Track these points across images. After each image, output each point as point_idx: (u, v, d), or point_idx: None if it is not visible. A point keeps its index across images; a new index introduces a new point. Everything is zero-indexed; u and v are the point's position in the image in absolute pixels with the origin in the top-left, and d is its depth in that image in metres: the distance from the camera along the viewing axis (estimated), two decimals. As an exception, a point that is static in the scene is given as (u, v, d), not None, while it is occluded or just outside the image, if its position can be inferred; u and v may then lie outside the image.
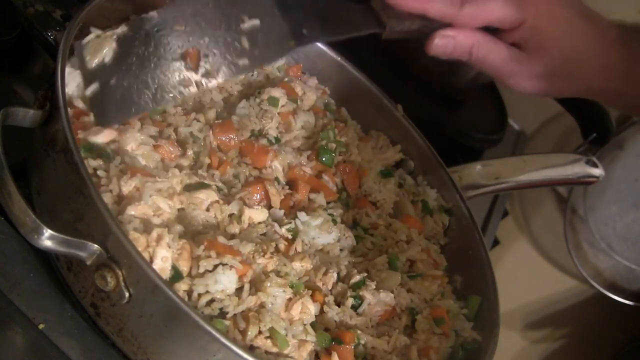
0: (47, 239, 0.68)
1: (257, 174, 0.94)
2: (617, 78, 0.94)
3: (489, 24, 0.92)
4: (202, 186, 0.83)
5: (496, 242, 1.78)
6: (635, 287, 1.90)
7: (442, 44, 0.92)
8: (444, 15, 0.90)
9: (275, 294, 0.79)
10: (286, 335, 0.77)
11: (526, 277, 2.03)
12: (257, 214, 0.87)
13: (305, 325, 0.81)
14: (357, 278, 0.90)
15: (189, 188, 0.82)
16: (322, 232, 0.92)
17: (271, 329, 0.76)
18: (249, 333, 0.74)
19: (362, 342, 0.85)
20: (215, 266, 0.76)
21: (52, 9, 0.92)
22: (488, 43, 0.92)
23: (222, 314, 0.75)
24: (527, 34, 0.92)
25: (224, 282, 0.75)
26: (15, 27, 0.97)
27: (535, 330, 2.14)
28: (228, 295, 0.76)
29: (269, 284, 0.79)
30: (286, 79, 1.08)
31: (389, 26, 0.91)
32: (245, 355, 0.68)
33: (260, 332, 0.76)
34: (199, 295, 0.74)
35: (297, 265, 0.86)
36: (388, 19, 0.91)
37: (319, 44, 1.15)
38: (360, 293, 0.88)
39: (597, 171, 1.26)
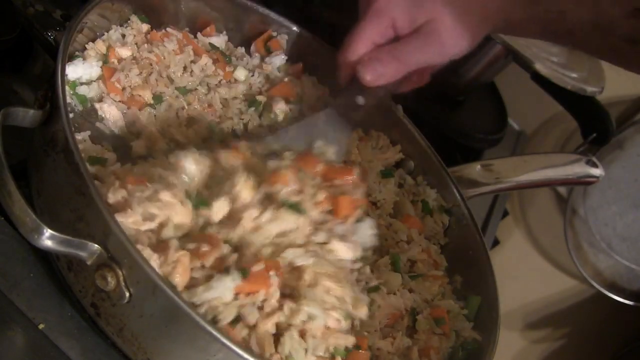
0: (48, 238, 0.68)
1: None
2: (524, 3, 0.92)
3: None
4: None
5: (496, 242, 1.78)
6: (635, 287, 1.90)
7: (374, 70, 0.94)
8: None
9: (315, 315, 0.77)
10: (306, 353, 0.75)
11: (526, 277, 2.03)
12: (344, 251, 0.84)
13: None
14: (374, 283, 0.90)
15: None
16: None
17: (288, 356, 0.74)
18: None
19: (369, 343, 0.85)
20: (209, 277, 0.74)
21: (52, 9, 0.93)
22: (405, 47, 0.94)
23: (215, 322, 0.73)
24: (405, 23, 0.94)
25: (219, 289, 0.73)
26: (15, 27, 0.97)
27: (535, 330, 2.14)
28: (224, 303, 0.73)
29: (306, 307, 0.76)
30: (286, 79, 1.08)
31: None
32: (245, 355, 0.68)
33: (276, 352, 0.74)
34: (196, 306, 0.72)
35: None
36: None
37: (319, 43, 1.15)
38: (371, 297, 0.88)
39: (597, 171, 1.26)
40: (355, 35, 0.95)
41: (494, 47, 1.41)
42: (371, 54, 0.95)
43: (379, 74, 0.94)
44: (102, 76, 0.92)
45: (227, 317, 0.73)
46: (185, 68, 1.01)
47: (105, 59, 0.94)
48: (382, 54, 0.95)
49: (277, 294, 0.76)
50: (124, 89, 0.93)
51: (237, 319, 0.74)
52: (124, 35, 0.98)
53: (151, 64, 0.97)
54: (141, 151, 0.89)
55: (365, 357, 0.82)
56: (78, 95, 0.90)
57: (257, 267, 0.75)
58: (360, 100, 0.98)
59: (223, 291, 0.73)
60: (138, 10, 1.00)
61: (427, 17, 0.92)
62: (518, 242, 2.03)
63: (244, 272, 0.74)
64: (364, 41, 0.95)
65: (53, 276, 0.79)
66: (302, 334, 0.76)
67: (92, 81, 0.92)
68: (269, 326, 0.74)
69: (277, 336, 0.75)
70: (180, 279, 0.72)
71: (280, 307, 0.76)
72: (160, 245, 0.74)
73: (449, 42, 0.94)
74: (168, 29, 1.02)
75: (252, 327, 0.74)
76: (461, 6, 0.92)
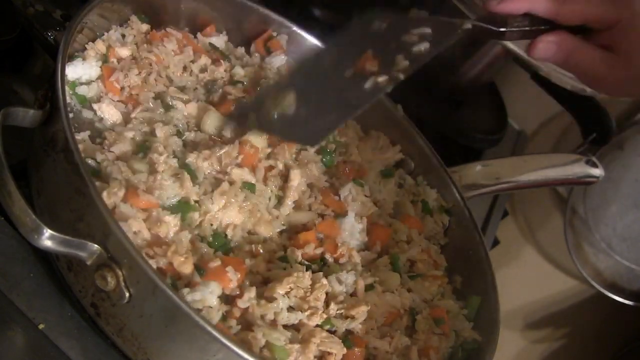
0: (47, 239, 0.68)
1: None
2: None
3: (587, 21, 0.90)
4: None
5: (496, 242, 1.78)
6: (635, 287, 1.89)
7: (545, 48, 0.91)
8: (547, 12, 0.90)
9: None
10: (286, 343, 0.76)
11: (526, 277, 2.03)
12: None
13: None
14: (368, 280, 0.90)
15: None
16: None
17: (267, 343, 0.75)
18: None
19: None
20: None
21: (52, 9, 0.93)
22: (583, 47, 0.90)
23: None
24: (619, 36, 0.89)
25: (204, 293, 0.74)
26: (15, 27, 0.97)
27: (535, 330, 2.14)
28: (209, 306, 0.74)
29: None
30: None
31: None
32: (245, 355, 0.68)
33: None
34: None
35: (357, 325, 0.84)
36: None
37: (319, 43, 1.15)
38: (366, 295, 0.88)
39: (597, 171, 1.26)
40: None
41: (494, 47, 1.41)
42: (560, 34, 0.90)
43: (545, 55, 0.90)
44: (101, 76, 0.92)
45: (212, 319, 0.73)
46: (185, 68, 1.01)
47: (105, 59, 0.93)
48: (564, 41, 0.89)
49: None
50: (122, 88, 0.93)
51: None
52: (123, 35, 0.98)
53: (150, 64, 0.97)
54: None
55: (360, 356, 0.82)
56: (78, 95, 0.90)
57: (213, 264, 0.77)
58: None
59: (207, 295, 0.74)
60: (138, 10, 1.00)
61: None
62: (518, 242, 2.03)
63: (200, 271, 0.76)
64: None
65: (53, 276, 0.79)
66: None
67: (91, 81, 0.91)
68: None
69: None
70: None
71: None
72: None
73: (614, 84, 0.90)
74: (168, 29, 1.02)
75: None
76: None
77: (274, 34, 1.13)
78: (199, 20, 1.08)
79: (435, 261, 1.03)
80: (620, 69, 0.89)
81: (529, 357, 2.16)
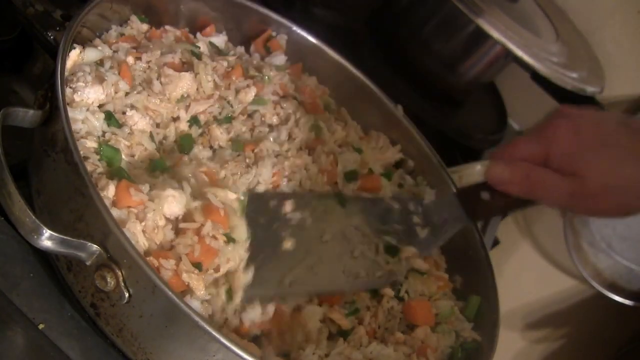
0: (47, 239, 0.68)
1: None
2: None
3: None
4: None
5: (496, 242, 1.78)
6: (635, 287, 1.89)
7: (500, 172, 0.91)
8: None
9: None
10: None
11: (526, 277, 2.03)
12: None
13: None
14: None
15: None
16: None
17: None
18: None
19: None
20: None
21: (52, 9, 0.93)
22: (539, 170, 0.89)
23: None
24: (558, 162, 0.88)
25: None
26: (15, 27, 0.97)
27: (535, 330, 2.14)
28: None
29: None
30: (285, 79, 1.08)
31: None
32: (245, 355, 0.68)
33: None
34: None
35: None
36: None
37: (319, 43, 1.15)
38: None
39: (597, 171, 1.25)
40: (511, 143, 0.93)
41: (494, 47, 1.41)
42: (514, 162, 0.90)
43: (500, 178, 0.91)
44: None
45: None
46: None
47: (104, 59, 0.93)
48: (519, 165, 0.90)
49: None
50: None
51: None
52: (123, 35, 0.98)
53: (150, 64, 0.97)
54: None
55: None
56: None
57: None
58: (485, 195, 0.94)
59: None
60: (138, 11, 1.00)
61: (582, 172, 0.86)
62: (518, 242, 2.03)
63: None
64: (513, 150, 0.91)
65: (53, 276, 0.79)
66: None
67: (91, 81, 0.91)
68: None
69: None
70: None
71: None
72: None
73: (592, 204, 0.87)
74: (167, 26, 1.02)
75: None
76: (623, 181, 0.85)
77: (274, 34, 1.13)
78: (199, 20, 1.08)
79: (435, 261, 1.03)
80: (570, 187, 0.87)
81: (529, 357, 2.17)
